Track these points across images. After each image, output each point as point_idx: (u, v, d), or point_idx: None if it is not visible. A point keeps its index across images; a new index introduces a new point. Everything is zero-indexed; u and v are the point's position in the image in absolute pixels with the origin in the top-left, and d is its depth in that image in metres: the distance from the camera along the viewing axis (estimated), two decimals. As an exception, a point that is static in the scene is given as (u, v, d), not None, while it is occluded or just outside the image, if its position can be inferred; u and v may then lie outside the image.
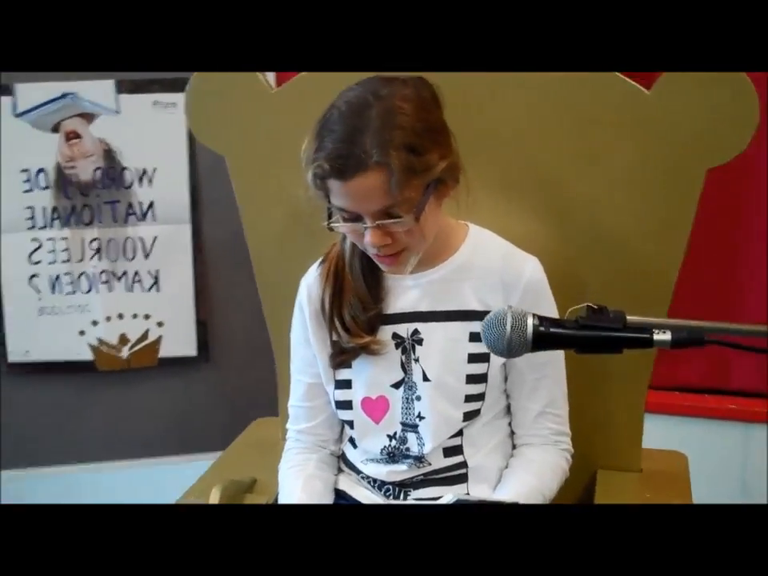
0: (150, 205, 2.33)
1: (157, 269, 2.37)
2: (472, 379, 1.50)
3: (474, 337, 1.49)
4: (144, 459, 2.45)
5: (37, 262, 2.35)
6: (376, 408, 1.55)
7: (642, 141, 1.59)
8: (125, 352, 2.40)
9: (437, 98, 1.41)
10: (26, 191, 2.31)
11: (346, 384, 1.56)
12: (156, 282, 2.37)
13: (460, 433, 1.53)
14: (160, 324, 2.40)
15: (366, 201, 1.35)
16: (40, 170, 2.30)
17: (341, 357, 1.54)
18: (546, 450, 1.55)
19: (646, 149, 1.59)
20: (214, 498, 1.58)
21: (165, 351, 2.41)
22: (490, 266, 1.51)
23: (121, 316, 2.39)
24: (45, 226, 2.33)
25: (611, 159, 1.60)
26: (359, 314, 1.51)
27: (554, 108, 1.61)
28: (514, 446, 1.59)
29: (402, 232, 1.38)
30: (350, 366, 1.55)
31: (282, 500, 1.57)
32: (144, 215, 2.34)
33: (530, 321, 1.12)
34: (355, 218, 1.38)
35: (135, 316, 2.39)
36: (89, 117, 2.28)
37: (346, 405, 1.56)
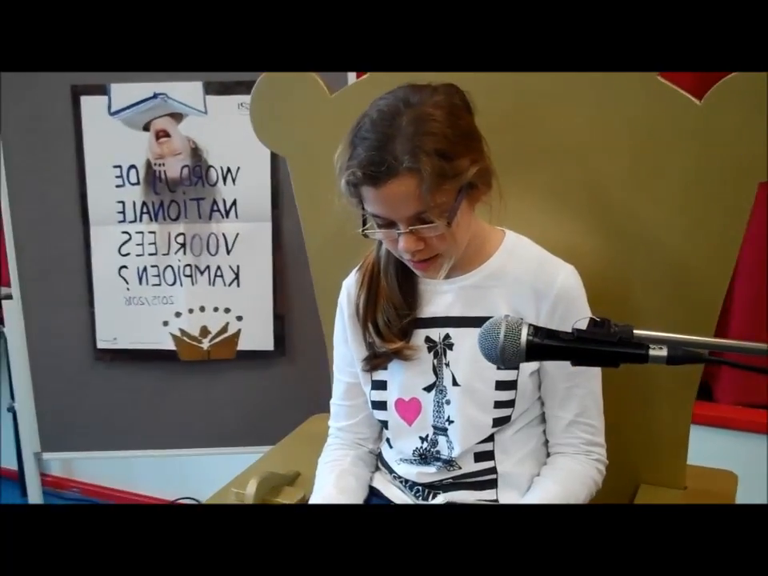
0: (234, 202, 2.41)
1: (238, 264, 2.44)
2: (501, 386, 1.51)
3: None
4: (219, 448, 2.54)
5: (126, 254, 2.46)
6: (409, 410, 1.58)
7: (694, 154, 1.57)
8: (205, 344, 2.49)
9: (468, 104, 1.43)
10: (118, 186, 2.42)
11: (381, 385, 1.59)
12: (237, 277, 2.45)
13: (491, 438, 1.54)
14: (239, 318, 2.48)
15: (398, 206, 1.38)
16: (131, 167, 2.41)
17: (374, 360, 1.57)
18: (576, 460, 1.54)
19: (698, 162, 1.57)
20: (251, 489, 1.64)
21: (243, 344, 2.48)
22: (523, 274, 1.51)
23: (202, 309, 2.48)
24: (134, 220, 2.44)
25: (664, 172, 1.59)
26: (393, 320, 1.54)
27: (610, 121, 1.61)
28: (548, 455, 1.59)
29: (435, 237, 1.40)
30: (386, 368, 1.58)
31: (314, 493, 1.61)
32: (227, 212, 2.42)
33: (524, 331, 1.13)
34: (389, 224, 1.42)
35: (216, 309, 2.48)
36: (178, 116, 2.38)
37: (381, 405, 1.59)
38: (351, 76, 2.17)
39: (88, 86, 2.36)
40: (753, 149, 1.51)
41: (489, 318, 1.51)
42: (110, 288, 2.48)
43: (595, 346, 1.11)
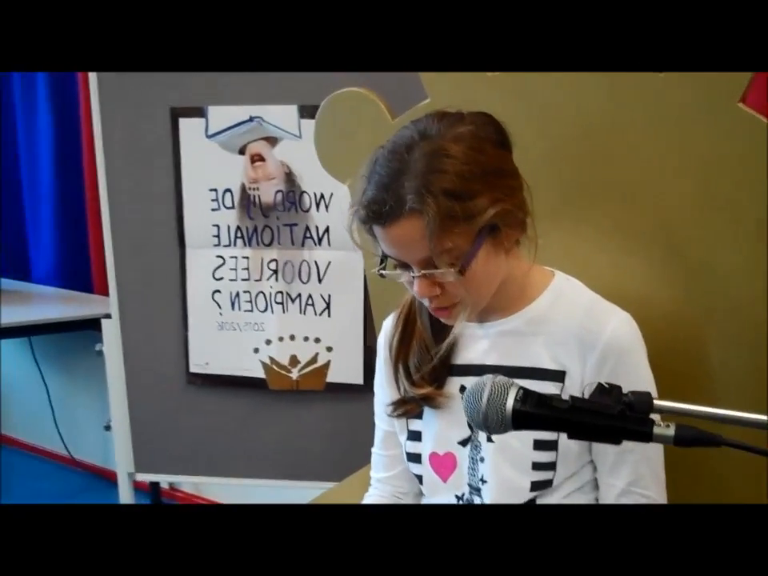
0: (326, 230, 2.34)
1: (329, 293, 2.37)
2: (540, 445, 1.36)
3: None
4: (305, 482, 2.46)
5: (219, 279, 2.43)
6: (443, 465, 1.45)
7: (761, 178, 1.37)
8: (294, 373, 2.43)
9: (502, 136, 1.30)
10: (213, 210, 2.40)
11: (416, 436, 1.47)
12: (328, 306, 2.38)
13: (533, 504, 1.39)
14: (329, 349, 2.40)
15: (405, 249, 1.27)
16: (227, 190, 2.38)
17: (403, 407, 1.46)
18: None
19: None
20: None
21: (332, 376, 2.40)
22: (569, 321, 1.36)
23: (293, 337, 2.41)
24: (228, 244, 2.41)
25: (731, 199, 1.40)
26: (424, 364, 1.42)
27: (682, 153, 1.43)
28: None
29: (451, 283, 1.27)
30: (421, 417, 1.46)
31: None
32: (320, 240, 2.35)
33: (512, 395, 0.99)
34: (404, 265, 1.30)
35: (306, 339, 2.41)
36: (272, 140, 2.33)
37: (415, 458, 1.48)
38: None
39: (186, 108, 2.36)
40: None
41: (528, 368, 1.39)
42: (204, 312, 2.46)
43: (591, 418, 0.95)
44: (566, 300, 1.38)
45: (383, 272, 1.32)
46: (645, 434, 0.94)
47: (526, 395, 0.99)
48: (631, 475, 1.36)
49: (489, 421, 0.99)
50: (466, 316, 1.32)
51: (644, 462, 1.37)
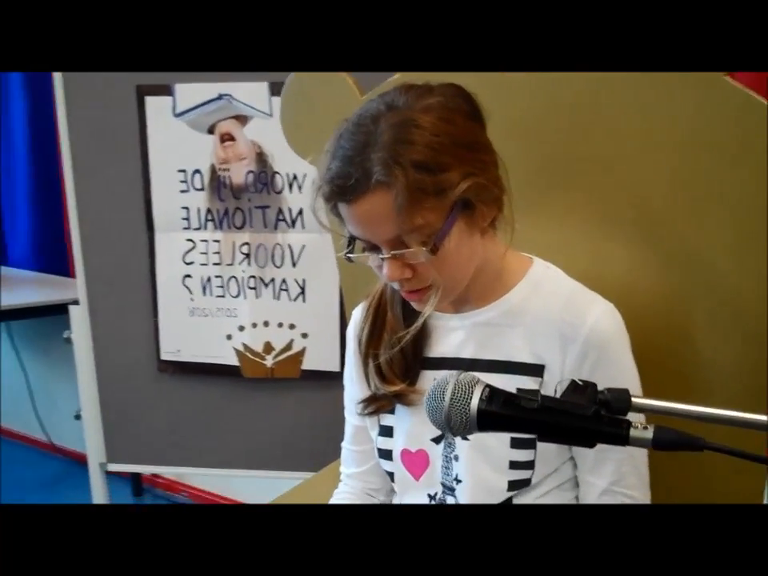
0: (300, 212, 2.25)
1: (304, 278, 2.28)
2: (518, 443, 1.28)
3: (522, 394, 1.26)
4: (279, 471, 2.38)
5: (190, 263, 2.34)
6: (415, 463, 1.37)
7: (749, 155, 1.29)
8: (269, 360, 2.34)
9: (474, 108, 1.21)
10: (183, 191, 2.30)
11: (388, 431, 1.39)
12: (302, 291, 2.29)
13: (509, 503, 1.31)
14: (304, 335, 2.31)
15: (372, 227, 1.18)
16: (196, 171, 2.29)
17: (374, 404, 1.38)
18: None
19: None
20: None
21: (308, 363, 2.32)
22: (548, 311, 1.27)
23: (266, 324, 2.33)
24: (199, 228, 2.32)
25: (717, 179, 1.32)
26: (396, 359, 1.34)
27: (662, 130, 1.35)
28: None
29: (423, 264, 1.19)
30: (393, 412, 1.38)
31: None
32: (293, 222, 2.26)
33: (477, 394, 0.90)
34: (373, 246, 1.21)
35: (281, 325, 2.32)
36: (243, 119, 2.24)
37: (387, 454, 1.40)
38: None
39: (153, 86, 2.26)
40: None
41: (504, 362, 1.30)
42: (174, 297, 2.37)
43: (562, 419, 0.87)
44: (544, 289, 1.30)
45: (350, 255, 1.24)
46: (620, 437, 0.86)
47: (492, 394, 0.91)
48: (614, 474, 1.29)
49: (452, 422, 0.91)
50: (437, 301, 1.23)
51: (628, 460, 1.29)
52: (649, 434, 0.85)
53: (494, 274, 1.29)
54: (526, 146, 1.28)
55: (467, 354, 1.31)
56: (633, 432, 0.85)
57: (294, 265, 2.28)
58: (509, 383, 1.27)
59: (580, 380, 0.91)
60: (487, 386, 0.91)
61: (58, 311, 2.74)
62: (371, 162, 1.14)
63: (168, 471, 2.50)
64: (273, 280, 2.30)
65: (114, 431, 2.51)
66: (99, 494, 2.57)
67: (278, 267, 2.29)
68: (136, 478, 3.37)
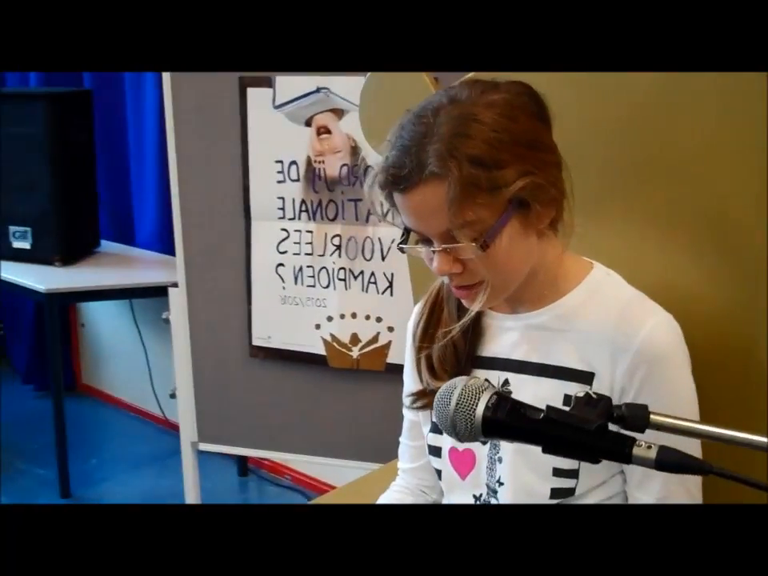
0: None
1: (392, 272, 2.30)
2: (562, 451, 1.26)
3: (569, 400, 1.24)
4: (360, 462, 2.41)
5: (283, 252, 2.39)
6: (462, 461, 1.37)
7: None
8: (355, 352, 2.37)
9: (540, 107, 1.20)
10: (279, 182, 2.35)
11: (438, 428, 1.39)
12: (390, 285, 2.31)
13: (555, 512, 1.29)
14: (390, 329, 2.33)
15: (424, 219, 1.18)
16: (292, 162, 2.33)
17: (423, 399, 1.38)
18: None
19: None
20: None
21: (393, 357, 2.34)
22: (603, 318, 1.25)
23: (354, 315, 2.36)
24: (293, 218, 2.36)
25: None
26: (447, 353, 1.34)
27: (738, 134, 1.30)
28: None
29: (474, 260, 1.19)
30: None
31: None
32: (384, 216, 2.27)
33: (483, 401, 0.90)
34: (426, 239, 1.22)
35: (368, 317, 2.35)
36: (339, 113, 2.27)
37: (436, 451, 1.40)
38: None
39: (255, 77, 2.31)
40: None
41: (554, 367, 1.28)
42: (268, 285, 2.43)
43: (565, 432, 0.86)
44: (602, 295, 1.27)
45: (403, 246, 1.24)
46: (623, 455, 0.84)
47: (499, 401, 0.90)
48: (661, 491, 1.25)
49: (457, 427, 0.91)
50: (485, 299, 1.22)
51: (675, 476, 1.25)
52: (652, 453, 0.83)
53: (550, 276, 1.28)
54: (597, 152, 1.25)
55: (518, 355, 1.30)
56: (636, 450, 0.84)
57: (383, 258, 2.30)
58: (557, 388, 1.26)
59: (595, 393, 0.89)
60: (495, 392, 0.91)
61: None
62: (427, 154, 1.14)
63: (254, 453, 2.55)
64: (362, 272, 2.33)
65: (205, 411, 2.59)
66: (190, 473, 2.66)
67: (367, 260, 2.32)
68: (242, 459, 3.45)
